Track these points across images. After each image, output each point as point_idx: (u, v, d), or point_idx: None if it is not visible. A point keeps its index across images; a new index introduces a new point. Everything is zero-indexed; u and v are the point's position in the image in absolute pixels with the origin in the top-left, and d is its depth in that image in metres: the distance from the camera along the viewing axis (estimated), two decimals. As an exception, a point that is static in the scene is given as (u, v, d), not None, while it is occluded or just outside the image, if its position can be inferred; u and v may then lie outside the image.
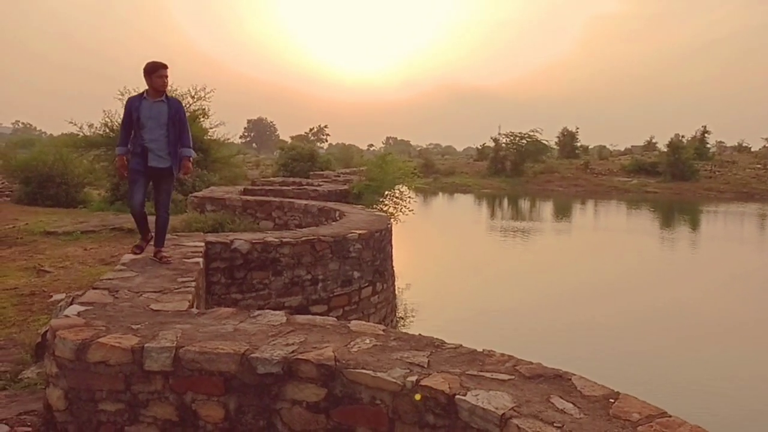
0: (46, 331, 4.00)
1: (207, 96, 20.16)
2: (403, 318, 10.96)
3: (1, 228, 12.06)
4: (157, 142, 5.04)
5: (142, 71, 4.98)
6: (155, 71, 4.98)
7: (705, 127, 55.98)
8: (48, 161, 18.99)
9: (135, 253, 5.38)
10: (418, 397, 2.71)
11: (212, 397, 3.08)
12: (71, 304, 4.37)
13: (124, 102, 5.04)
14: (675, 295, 14.11)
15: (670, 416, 2.45)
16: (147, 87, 5.05)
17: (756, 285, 15.91)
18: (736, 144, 68.16)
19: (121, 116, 5.24)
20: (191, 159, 5.28)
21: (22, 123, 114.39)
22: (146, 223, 5.41)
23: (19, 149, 30.60)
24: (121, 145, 5.12)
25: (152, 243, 5.48)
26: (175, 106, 5.13)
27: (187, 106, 19.90)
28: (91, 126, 19.16)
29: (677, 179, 47.02)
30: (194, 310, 3.98)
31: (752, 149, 63.37)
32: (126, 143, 5.09)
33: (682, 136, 54.99)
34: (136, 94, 5.13)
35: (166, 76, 5.04)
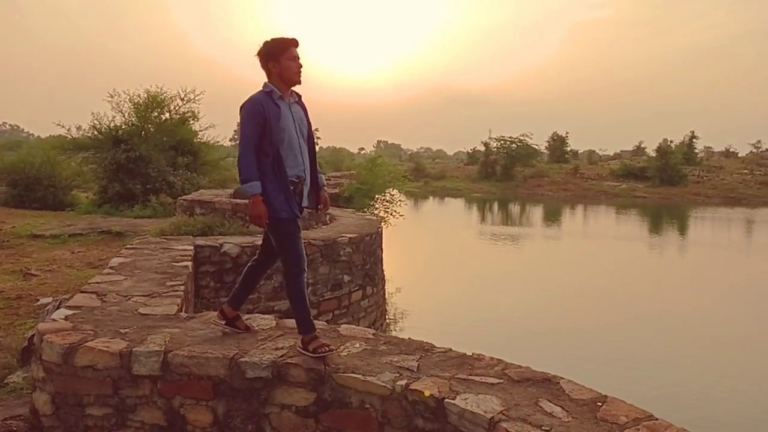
0: (33, 336, 3.97)
1: (197, 98, 20.07)
2: (393, 322, 10.96)
3: (-13, 231, 11.93)
4: (308, 169, 3.30)
5: (257, 56, 3.22)
6: (285, 51, 3.17)
7: (693, 132, 56.54)
8: (35, 163, 18.84)
9: (329, 351, 3.08)
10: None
11: (201, 401, 3.07)
12: (58, 308, 4.33)
13: (249, 106, 3.13)
14: (664, 301, 14.21)
15: (657, 419, 2.48)
16: (269, 80, 3.21)
17: (745, 290, 16.06)
18: (724, 149, 68.98)
19: (242, 128, 3.19)
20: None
21: (9, 125, 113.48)
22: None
23: (6, 151, 30.31)
24: (255, 177, 3.10)
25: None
26: (305, 108, 3.39)
27: (176, 108, 19.82)
28: (79, 128, 19.01)
29: (666, 184, 47.40)
30: (183, 314, 3.97)
31: (739, 155, 64.15)
32: (257, 174, 3.11)
33: (671, 142, 55.54)
34: (258, 92, 3.19)
35: (300, 58, 3.23)
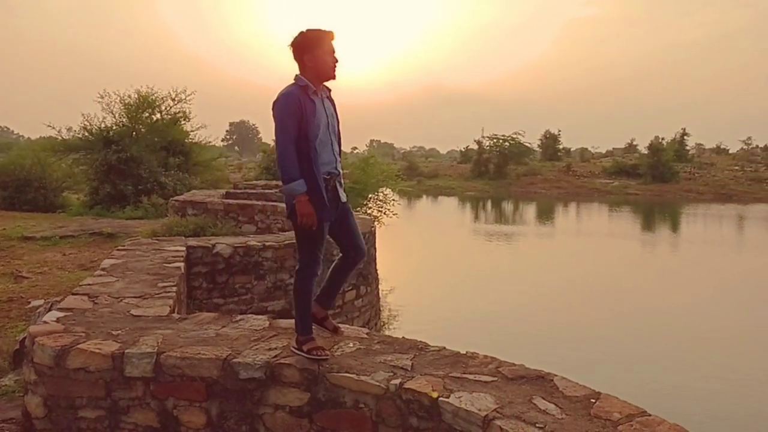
0: (24, 338, 3.94)
1: (188, 98, 20.02)
2: (387, 321, 10.96)
3: (-23, 233, 11.84)
4: (339, 165, 3.21)
5: (291, 47, 3.06)
6: (322, 43, 3.04)
7: (684, 129, 56.73)
8: (26, 165, 18.72)
9: (323, 356, 3.01)
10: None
11: (194, 402, 3.05)
12: (50, 310, 4.31)
13: (285, 101, 2.98)
14: (657, 298, 14.28)
15: (650, 415, 2.48)
16: (302, 73, 3.06)
17: (737, 287, 16.17)
18: (715, 146, 69.34)
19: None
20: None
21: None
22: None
23: (-4, 153, 30.13)
24: (299, 175, 2.98)
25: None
26: (334, 103, 3.26)
27: (167, 108, 19.74)
28: (69, 129, 18.94)
29: (657, 181, 47.62)
30: (175, 315, 3.95)
31: (730, 151, 64.53)
32: (299, 172, 2.98)
33: (662, 139, 55.64)
34: (291, 85, 3.05)
35: (336, 51, 3.11)
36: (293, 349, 3.12)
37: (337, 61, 3.08)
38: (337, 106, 3.26)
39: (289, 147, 2.96)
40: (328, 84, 3.18)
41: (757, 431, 7.51)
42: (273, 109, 3.02)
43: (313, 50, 3.02)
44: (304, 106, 2.97)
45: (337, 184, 3.16)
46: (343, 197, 3.21)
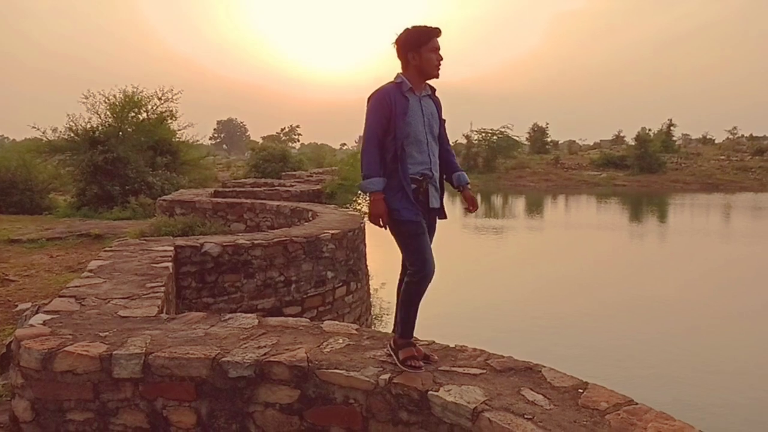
0: (11, 342, 3.91)
1: (175, 97, 19.88)
2: (378, 317, 10.97)
3: (-38, 237, 11.70)
4: (436, 167, 3.04)
5: (395, 45, 2.98)
6: (428, 41, 2.93)
7: (671, 120, 57.30)
8: (10, 167, 18.54)
9: (417, 368, 2.88)
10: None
11: (183, 402, 3.04)
12: (37, 313, 4.27)
13: (377, 98, 2.93)
14: (647, 288, 14.40)
15: (637, 404, 2.51)
16: (405, 71, 3.00)
17: (722, 276, 16.34)
18: (701, 136, 70.00)
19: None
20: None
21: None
22: None
23: (-20, 155, 29.70)
24: (376, 173, 2.89)
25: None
26: (438, 102, 3.14)
27: (154, 108, 19.59)
28: (54, 130, 18.75)
29: (645, 172, 47.97)
30: (164, 316, 3.93)
31: (716, 141, 65.17)
32: (380, 170, 2.90)
33: (649, 130, 56.12)
34: (389, 82, 2.98)
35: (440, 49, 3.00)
36: (390, 349, 3.00)
37: (441, 59, 2.98)
38: (441, 106, 3.14)
39: (371, 144, 2.90)
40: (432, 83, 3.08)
41: (743, 419, 7.60)
42: (367, 104, 2.97)
43: (417, 48, 2.93)
44: (394, 104, 2.90)
45: (431, 188, 3.00)
46: (435, 203, 3.04)
